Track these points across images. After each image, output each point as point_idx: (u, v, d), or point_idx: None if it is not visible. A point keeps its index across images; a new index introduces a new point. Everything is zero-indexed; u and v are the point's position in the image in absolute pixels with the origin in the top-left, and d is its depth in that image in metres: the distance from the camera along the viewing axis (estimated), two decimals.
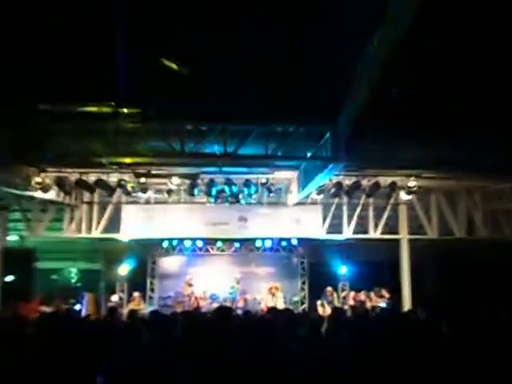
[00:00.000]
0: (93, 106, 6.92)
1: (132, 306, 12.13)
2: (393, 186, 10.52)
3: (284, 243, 14.36)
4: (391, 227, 12.66)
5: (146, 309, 12.30)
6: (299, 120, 7.50)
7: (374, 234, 12.39)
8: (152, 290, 14.55)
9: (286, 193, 12.32)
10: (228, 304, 13.04)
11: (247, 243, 14.51)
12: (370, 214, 12.48)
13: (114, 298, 12.64)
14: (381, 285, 12.58)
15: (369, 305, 12.02)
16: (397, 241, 12.53)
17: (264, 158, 8.08)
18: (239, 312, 11.78)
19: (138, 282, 13.92)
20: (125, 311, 12.68)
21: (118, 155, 8.02)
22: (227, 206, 12.19)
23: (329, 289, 13.01)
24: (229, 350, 3.34)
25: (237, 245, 14.60)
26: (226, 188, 11.09)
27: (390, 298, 12.22)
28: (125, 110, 6.90)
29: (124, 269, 13.98)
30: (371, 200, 12.08)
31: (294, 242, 14.02)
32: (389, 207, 12.34)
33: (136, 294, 12.67)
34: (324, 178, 9.07)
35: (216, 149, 8.24)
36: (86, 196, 12.18)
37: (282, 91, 6.14)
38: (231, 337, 3.58)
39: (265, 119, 7.41)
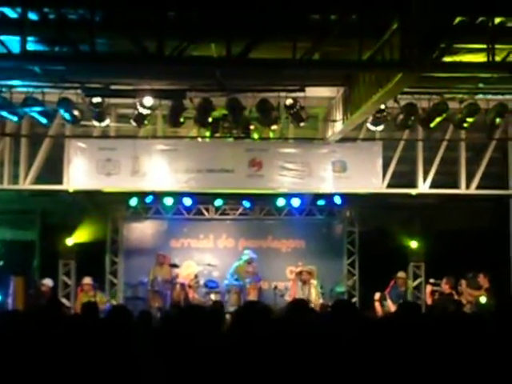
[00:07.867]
0: None
1: (83, 297, 12.22)
2: (500, 111, 10.46)
3: (321, 202, 14.58)
4: (495, 178, 12.68)
5: (105, 302, 12.38)
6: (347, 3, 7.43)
7: (467, 188, 12.39)
8: (114, 272, 14.69)
9: (325, 122, 12.28)
10: (232, 296, 13.21)
11: (262, 202, 14.56)
12: (462, 156, 12.45)
13: (47, 281, 12.78)
14: (477, 268, 12.40)
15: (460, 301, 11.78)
16: (504, 199, 12.53)
17: (290, 65, 7.99)
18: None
19: (93, 259, 14.05)
20: (74, 305, 13.16)
21: (54, 58, 8.06)
22: (231, 142, 12.17)
23: (401, 275, 12.70)
24: None
25: (246, 204, 14.68)
26: (230, 114, 11.12)
27: (489, 288, 12.34)
28: None
29: (71, 239, 14.24)
30: (463, 134, 12.03)
31: (337, 200, 14.16)
32: (492, 146, 12.29)
33: (87, 281, 12.63)
34: (386, 98, 9.00)
35: (214, 51, 8.22)
36: (9, 125, 12.27)
37: None
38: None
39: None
